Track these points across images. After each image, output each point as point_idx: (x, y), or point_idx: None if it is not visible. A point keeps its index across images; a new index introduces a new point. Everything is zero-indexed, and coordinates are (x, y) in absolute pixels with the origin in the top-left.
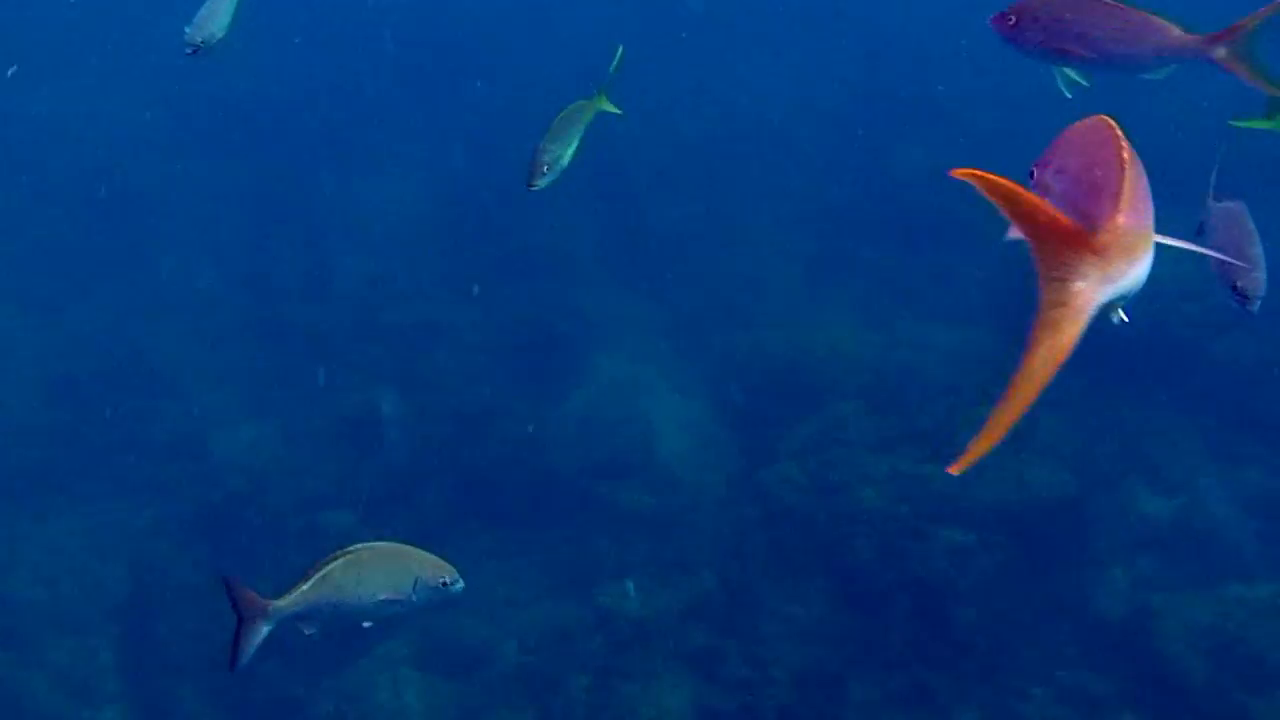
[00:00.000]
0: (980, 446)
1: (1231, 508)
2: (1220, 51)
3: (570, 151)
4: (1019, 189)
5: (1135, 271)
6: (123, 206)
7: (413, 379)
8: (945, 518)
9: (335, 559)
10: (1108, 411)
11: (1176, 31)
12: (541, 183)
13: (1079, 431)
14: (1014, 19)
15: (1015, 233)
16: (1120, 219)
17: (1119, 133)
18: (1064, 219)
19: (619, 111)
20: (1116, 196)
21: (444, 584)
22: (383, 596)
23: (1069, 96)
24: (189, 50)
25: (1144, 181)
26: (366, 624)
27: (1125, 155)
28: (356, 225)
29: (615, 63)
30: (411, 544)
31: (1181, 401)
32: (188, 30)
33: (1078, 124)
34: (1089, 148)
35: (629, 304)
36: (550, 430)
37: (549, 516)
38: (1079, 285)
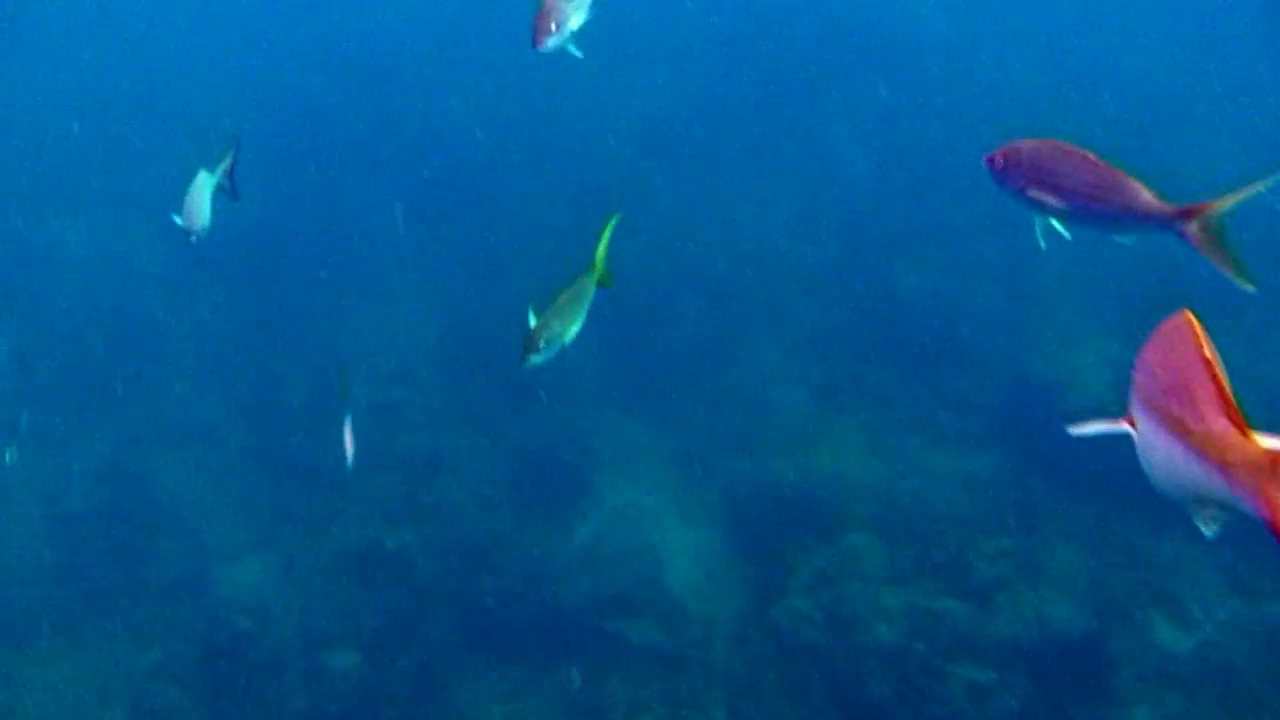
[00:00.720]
0: None
1: (1254, 644)
2: (1190, 227)
3: (571, 330)
4: None
5: None
6: (128, 338)
7: (419, 511)
8: (963, 655)
9: None
10: (1123, 542)
11: (1148, 196)
12: (537, 359)
13: (1095, 563)
14: (1002, 160)
15: None
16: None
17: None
18: None
19: (610, 285)
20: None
21: None
22: None
23: (1043, 247)
24: (191, 239)
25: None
26: None
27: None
28: (362, 355)
29: (607, 231)
30: None
31: (1198, 531)
32: (178, 220)
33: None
34: (1177, 351)
35: (634, 432)
36: (558, 563)
37: (558, 653)
38: None
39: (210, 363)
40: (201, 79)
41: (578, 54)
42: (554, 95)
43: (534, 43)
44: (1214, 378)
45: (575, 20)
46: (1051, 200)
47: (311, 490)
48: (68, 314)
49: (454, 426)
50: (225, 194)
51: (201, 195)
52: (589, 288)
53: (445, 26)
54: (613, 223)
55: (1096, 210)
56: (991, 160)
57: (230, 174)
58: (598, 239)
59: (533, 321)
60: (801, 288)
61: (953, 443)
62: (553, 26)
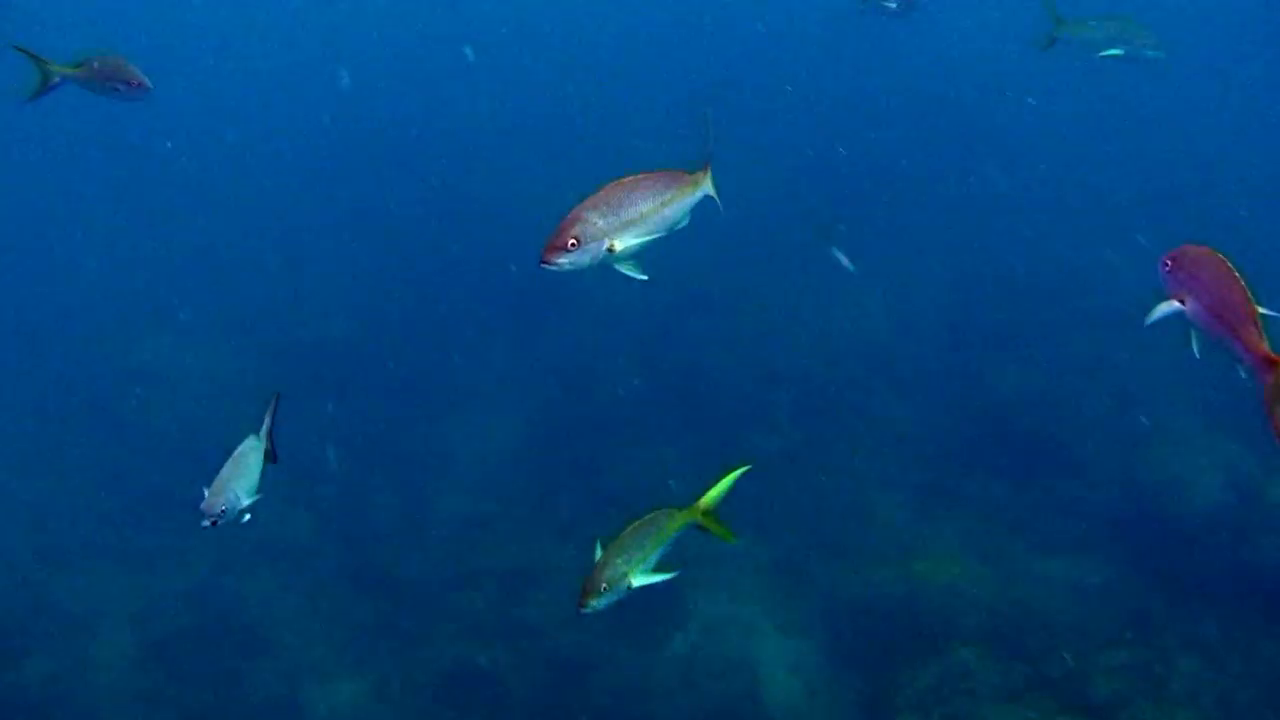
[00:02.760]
0: None
1: None
2: (1269, 379)
3: (637, 572)
4: None
5: None
6: (219, 456)
7: (511, 628)
8: None
9: None
10: (1248, 652)
11: (1255, 337)
12: (598, 603)
13: (1220, 677)
14: (1170, 264)
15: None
16: None
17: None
18: None
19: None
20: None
21: None
22: None
23: (1196, 355)
24: (205, 523)
25: None
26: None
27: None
28: (451, 466)
29: (729, 478)
30: None
31: None
32: (202, 505)
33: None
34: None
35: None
36: (653, 678)
37: None
38: None
39: (300, 479)
40: (292, 196)
41: (640, 277)
42: None
43: (541, 258)
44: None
45: (623, 239)
46: (1188, 310)
47: (403, 607)
48: (160, 432)
49: (543, 539)
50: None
51: (248, 466)
52: (670, 527)
53: (525, 140)
54: (737, 473)
55: (1214, 332)
56: (1164, 261)
57: (270, 435)
58: (717, 483)
59: (598, 556)
60: (898, 388)
61: (1062, 549)
62: (570, 242)
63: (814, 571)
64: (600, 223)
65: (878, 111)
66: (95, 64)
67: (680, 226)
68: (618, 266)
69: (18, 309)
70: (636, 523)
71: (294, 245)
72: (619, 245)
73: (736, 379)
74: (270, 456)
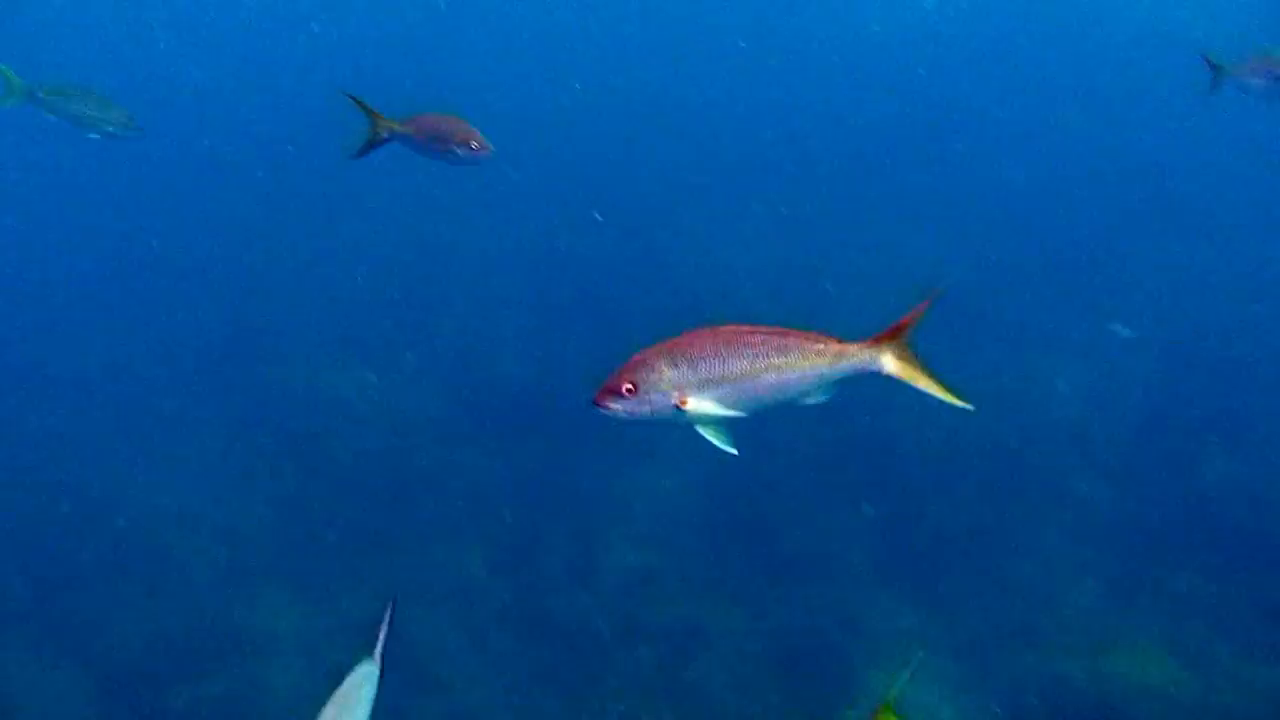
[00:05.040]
0: None
1: None
2: None
3: None
4: None
5: None
6: (399, 490)
7: (677, 690)
8: None
9: None
10: None
11: None
12: None
13: None
14: None
15: None
16: None
17: None
18: None
19: None
20: None
21: None
22: None
23: None
24: None
25: None
26: None
27: None
28: (625, 516)
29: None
30: None
31: None
32: None
33: None
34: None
35: (904, 616)
36: None
37: None
38: None
39: (475, 517)
40: (481, 231)
41: (731, 450)
42: (811, 255)
43: (594, 399)
44: None
45: (699, 398)
46: None
47: (570, 656)
48: (343, 464)
49: (713, 598)
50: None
51: (358, 706)
52: None
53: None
54: (910, 666)
55: None
56: None
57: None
58: (891, 690)
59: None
60: (1094, 469)
61: (1273, 656)
62: (626, 387)
63: (994, 656)
64: (668, 373)
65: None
66: (429, 121)
67: (809, 402)
68: (699, 429)
69: (219, 330)
70: None
71: (480, 281)
72: (692, 403)
73: (921, 448)
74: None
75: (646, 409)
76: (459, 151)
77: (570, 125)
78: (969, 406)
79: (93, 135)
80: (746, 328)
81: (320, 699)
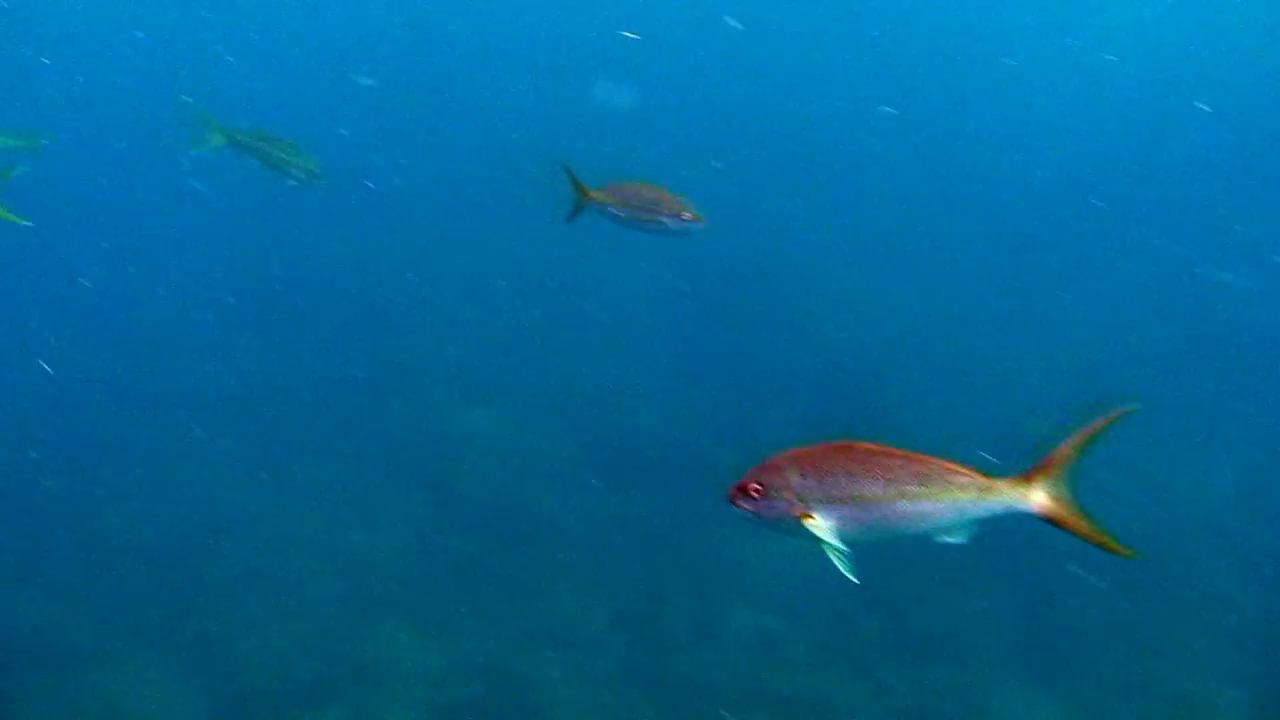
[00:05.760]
0: None
1: None
2: None
3: None
4: None
5: None
6: (525, 532)
7: None
8: None
9: None
10: None
11: None
12: None
13: None
14: None
15: None
16: None
17: None
18: None
19: None
20: None
21: None
22: None
23: None
24: None
25: None
26: None
27: None
28: (749, 579)
29: None
30: None
31: None
32: None
33: None
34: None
35: (1037, 707)
36: None
37: None
38: None
39: (598, 566)
40: (620, 282)
41: (852, 578)
42: (962, 328)
43: (729, 496)
44: None
45: (823, 515)
46: None
47: (688, 719)
48: (472, 500)
49: (838, 670)
50: None
51: None
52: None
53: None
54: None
55: None
56: None
57: None
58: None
59: None
60: (1246, 572)
61: None
62: (754, 487)
63: None
64: (796, 482)
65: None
66: (634, 191)
67: (944, 540)
68: (823, 546)
69: (361, 362)
70: None
71: (618, 328)
72: (816, 520)
73: (1052, 537)
74: None
75: (770, 514)
76: (668, 223)
77: (726, 178)
78: (1130, 554)
79: (290, 183)
80: (886, 449)
81: None
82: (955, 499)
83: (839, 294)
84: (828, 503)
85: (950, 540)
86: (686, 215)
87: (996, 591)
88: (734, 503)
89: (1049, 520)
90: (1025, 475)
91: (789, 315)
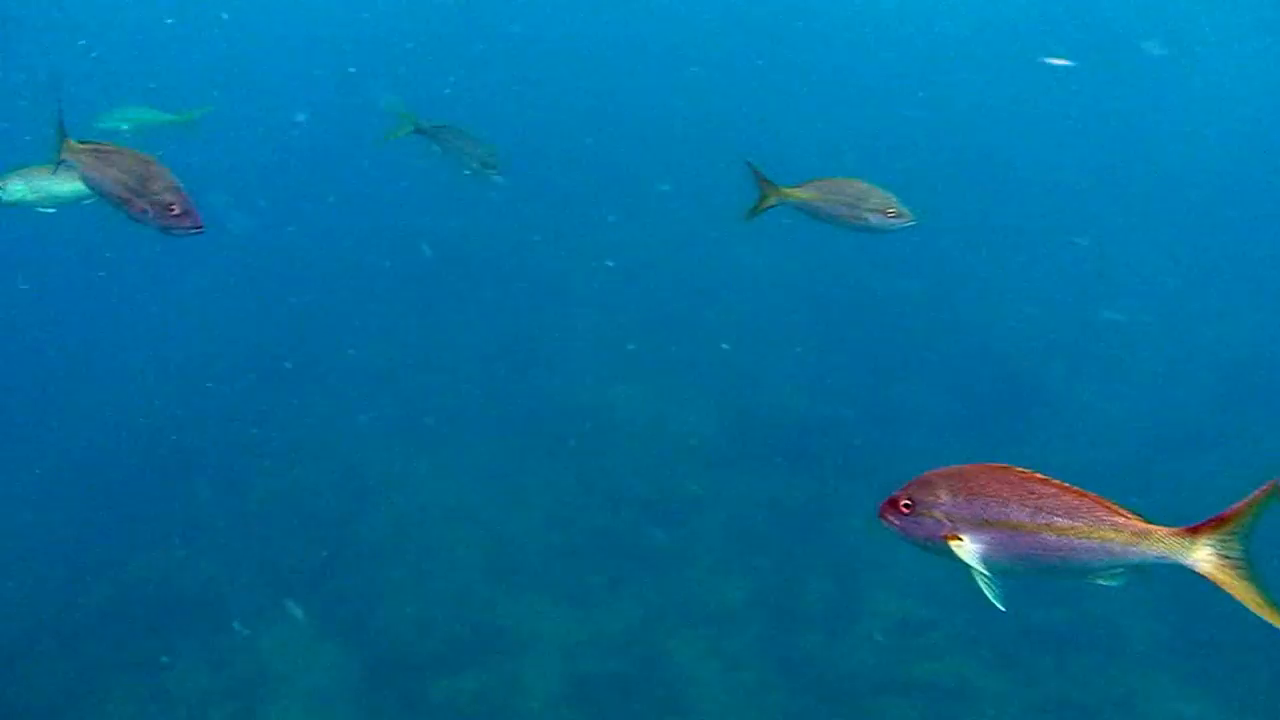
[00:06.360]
0: None
1: None
2: None
3: None
4: None
5: None
6: (681, 507)
7: None
8: None
9: None
10: None
11: None
12: None
13: None
14: None
15: None
16: None
17: None
18: None
19: None
20: None
21: None
22: None
23: None
24: None
25: None
26: None
27: None
28: (889, 562)
29: None
30: None
31: None
32: None
33: None
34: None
35: (1189, 703)
36: None
37: None
38: None
39: (738, 544)
40: (765, 261)
41: (999, 605)
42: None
43: (879, 511)
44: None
45: (972, 539)
46: None
47: (826, 702)
48: (611, 473)
49: (982, 657)
50: None
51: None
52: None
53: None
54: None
55: None
56: None
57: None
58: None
59: None
60: None
61: None
62: (905, 503)
63: None
64: (946, 501)
65: None
66: (835, 186)
67: (1093, 581)
68: (971, 570)
69: (505, 336)
70: None
71: (763, 307)
72: (964, 543)
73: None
74: None
75: (919, 532)
76: (872, 220)
77: (883, 159)
78: None
79: (466, 172)
80: (1044, 477)
81: (573, 704)
82: (1104, 539)
83: (987, 282)
84: (975, 524)
85: (1104, 583)
86: (892, 212)
87: (1149, 580)
88: (883, 517)
89: (1211, 580)
90: (1192, 528)
91: (937, 301)
